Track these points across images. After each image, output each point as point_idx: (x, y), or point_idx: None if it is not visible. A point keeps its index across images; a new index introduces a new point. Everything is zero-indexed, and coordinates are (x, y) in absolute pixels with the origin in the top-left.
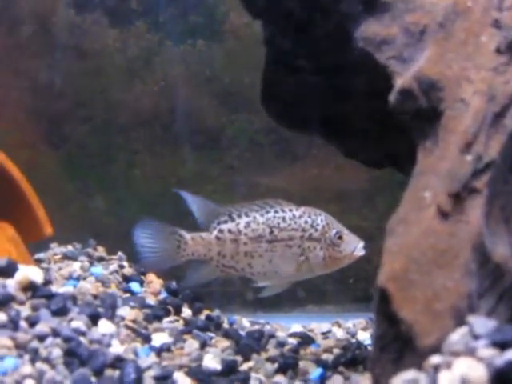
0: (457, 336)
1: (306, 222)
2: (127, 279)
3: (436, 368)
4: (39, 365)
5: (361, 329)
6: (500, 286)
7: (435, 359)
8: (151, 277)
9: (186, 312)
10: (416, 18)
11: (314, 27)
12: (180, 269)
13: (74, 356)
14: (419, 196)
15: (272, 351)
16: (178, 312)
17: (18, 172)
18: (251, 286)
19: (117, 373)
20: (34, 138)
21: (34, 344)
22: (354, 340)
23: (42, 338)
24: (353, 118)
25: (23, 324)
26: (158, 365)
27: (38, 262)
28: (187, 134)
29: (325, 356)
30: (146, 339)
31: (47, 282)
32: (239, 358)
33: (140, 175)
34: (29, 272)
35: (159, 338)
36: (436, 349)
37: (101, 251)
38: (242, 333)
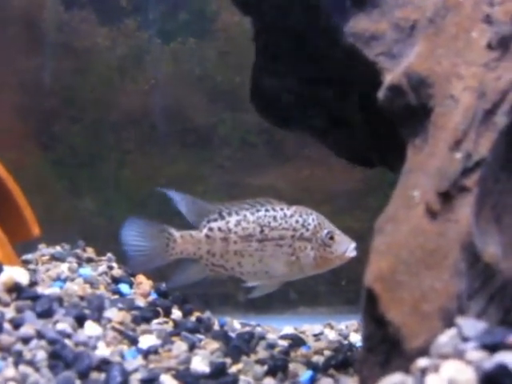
0: (445, 338)
1: (297, 221)
2: (116, 280)
3: (423, 371)
4: (23, 368)
5: (353, 330)
6: (491, 286)
7: (423, 362)
8: (141, 278)
9: (176, 314)
10: (406, 14)
11: (303, 23)
12: (171, 270)
13: (58, 359)
14: (408, 194)
15: (262, 353)
16: (167, 314)
17: (5, 171)
18: (242, 288)
19: (102, 376)
20: (23, 137)
21: (18, 346)
22: (346, 342)
23: (26, 340)
24: (343, 115)
25: (7, 326)
26: (145, 367)
27: (26, 263)
28: (178, 133)
29: (315, 358)
30: (133, 341)
31: (33, 284)
32: (228, 361)
33: (130, 175)
34: (14, 273)
35: (147, 340)
36: (424, 351)
37: (90, 252)
38: (232, 335)
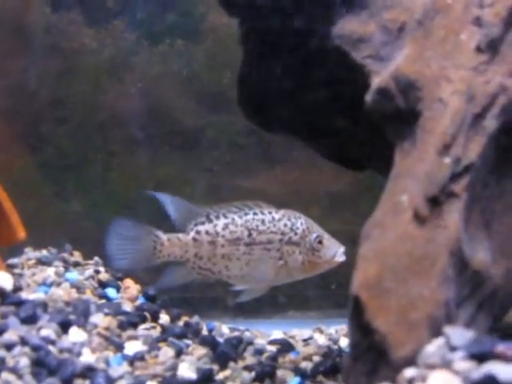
0: (432, 348)
1: (285, 225)
2: (103, 285)
3: (410, 381)
4: (5, 375)
5: (343, 335)
6: (480, 293)
7: (409, 372)
8: (128, 282)
9: (164, 318)
10: (394, 15)
11: (291, 25)
12: (160, 274)
13: (42, 366)
14: (396, 200)
15: (250, 359)
16: (154, 319)
17: None
18: (231, 292)
19: (86, 383)
20: (9, 139)
21: (1, 353)
22: (335, 347)
23: (9, 346)
24: (331, 118)
25: None
26: (130, 374)
27: (11, 267)
28: (166, 135)
29: (304, 364)
30: (119, 348)
31: (17, 289)
32: (215, 367)
33: (117, 177)
34: None
35: (132, 347)
36: (411, 361)
37: (77, 256)
38: (220, 340)
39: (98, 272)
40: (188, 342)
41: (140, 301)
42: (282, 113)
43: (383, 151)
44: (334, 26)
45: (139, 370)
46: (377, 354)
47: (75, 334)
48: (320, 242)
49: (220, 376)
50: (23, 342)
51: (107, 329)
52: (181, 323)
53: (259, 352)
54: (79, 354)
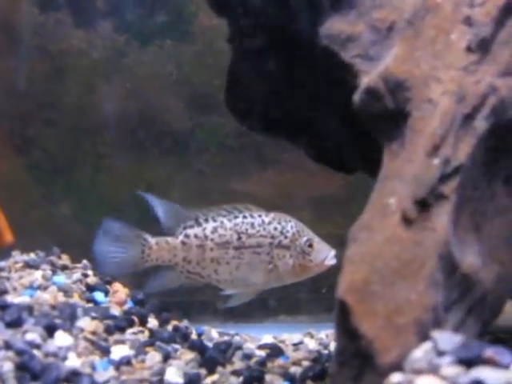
0: (420, 352)
1: (275, 228)
2: (91, 288)
3: None
4: None
5: (334, 340)
6: (469, 297)
7: (396, 377)
8: (117, 286)
9: (153, 323)
10: (383, 15)
11: (279, 25)
12: (149, 278)
13: (26, 370)
14: (384, 202)
15: (238, 364)
16: (143, 323)
17: None
18: (221, 296)
19: None
20: None
21: None
22: (325, 351)
23: None
24: (320, 120)
25: None
26: (116, 379)
27: None
28: (155, 137)
29: (293, 369)
30: (105, 352)
31: (2, 292)
32: (203, 372)
33: (106, 180)
34: None
35: (119, 351)
36: (397, 366)
37: (65, 259)
38: (209, 344)
39: (86, 275)
40: (176, 346)
41: (128, 305)
42: (271, 114)
43: (372, 152)
44: (322, 25)
45: (125, 375)
46: (363, 360)
47: (61, 338)
48: (310, 246)
49: (208, 381)
50: (7, 346)
51: (94, 333)
52: (169, 327)
53: (248, 357)
54: (65, 359)
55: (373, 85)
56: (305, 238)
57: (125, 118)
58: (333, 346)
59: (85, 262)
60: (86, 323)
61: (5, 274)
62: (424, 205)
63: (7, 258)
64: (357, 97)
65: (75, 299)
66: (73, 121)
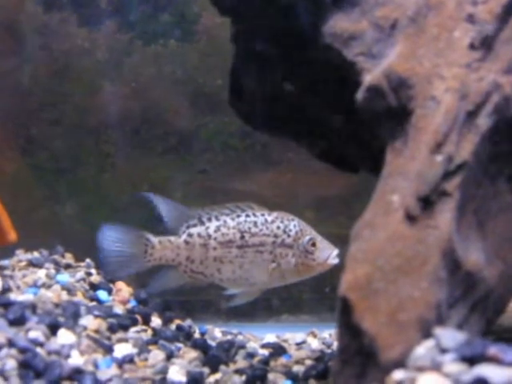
0: (422, 350)
1: (278, 227)
2: (94, 287)
3: None
4: None
5: (336, 338)
6: (473, 295)
7: (398, 375)
8: (120, 285)
9: (156, 321)
10: (386, 12)
11: (282, 23)
12: (152, 277)
13: (29, 368)
14: (387, 199)
15: (241, 363)
16: (146, 321)
17: None
18: (224, 295)
19: None
20: (0, 141)
21: None
22: (329, 351)
23: None
24: (324, 118)
25: None
26: (119, 377)
27: (1, 269)
28: (159, 137)
29: (296, 368)
30: (108, 350)
31: (6, 290)
32: (206, 370)
33: (110, 180)
34: None
35: (122, 349)
36: (400, 363)
37: (68, 258)
38: (212, 343)
39: (89, 274)
40: (179, 345)
41: (132, 304)
42: (274, 113)
43: (374, 150)
44: (324, 24)
45: (128, 373)
46: (365, 357)
47: (64, 336)
48: (313, 245)
49: (211, 379)
50: (11, 343)
51: (97, 331)
52: (173, 326)
53: (251, 355)
54: (68, 357)
55: (376, 82)
56: (308, 237)
57: (129, 118)
58: (336, 345)
59: (88, 260)
60: (89, 321)
61: (8, 272)
62: (427, 202)
63: (11, 256)
64: (360, 95)
65: (79, 298)
66: (77, 120)
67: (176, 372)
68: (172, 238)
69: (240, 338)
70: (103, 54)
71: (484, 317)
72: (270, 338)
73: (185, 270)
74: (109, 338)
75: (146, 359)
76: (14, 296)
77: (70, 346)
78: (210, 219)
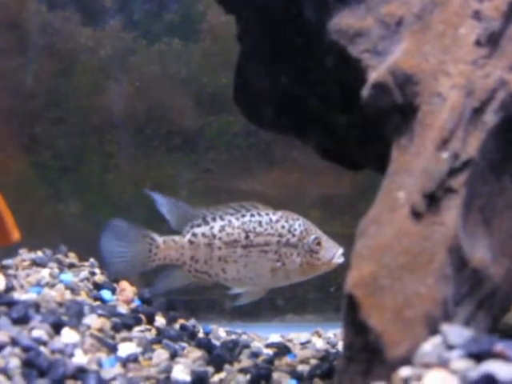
0: (429, 346)
1: (283, 226)
2: (98, 287)
3: (406, 381)
4: None
5: (342, 337)
6: (479, 292)
7: (405, 371)
8: (124, 284)
9: (160, 321)
10: (392, 9)
11: (287, 21)
12: (156, 276)
13: (32, 367)
14: (393, 196)
15: (246, 362)
16: (150, 321)
17: None
18: (228, 294)
19: None
20: (5, 140)
21: None
22: (333, 350)
23: None
24: (329, 116)
25: None
26: (123, 376)
27: (5, 268)
28: (163, 136)
29: (300, 367)
30: (112, 349)
31: (9, 289)
32: (211, 369)
33: (114, 179)
34: None
35: (126, 348)
36: (406, 360)
37: (72, 257)
38: (217, 343)
39: (93, 274)
40: (183, 344)
41: (135, 303)
42: (279, 112)
43: (380, 148)
44: (330, 20)
45: (132, 372)
46: (371, 354)
47: (68, 335)
48: (318, 244)
49: (215, 378)
50: (14, 342)
51: (100, 330)
52: (177, 326)
53: (255, 355)
54: (71, 355)
55: (381, 79)
56: (313, 237)
57: (133, 117)
58: (341, 345)
59: (92, 260)
60: (92, 320)
61: (12, 271)
62: (433, 199)
63: (14, 255)
64: (365, 91)
65: (82, 297)
66: (81, 119)
67: (180, 371)
68: (176, 238)
69: (244, 337)
70: (107, 52)
71: (490, 314)
72: (275, 337)
73: (189, 269)
74: (113, 337)
75: (150, 358)
76: (17, 295)
77: (73, 345)
78: (214, 219)
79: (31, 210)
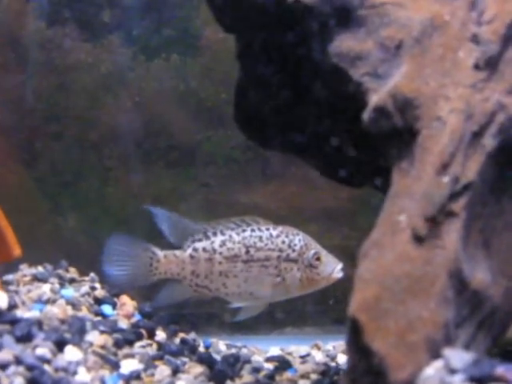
0: (432, 370)
1: (283, 241)
2: (99, 301)
3: None
4: None
5: (341, 351)
6: (479, 313)
7: None
8: (124, 299)
9: (160, 335)
10: (392, 33)
11: (287, 42)
12: (156, 291)
13: None
14: (394, 219)
15: (247, 377)
16: (151, 335)
17: None
18: (228, 308)
19: None
20: (4, 155)
21: None
22: (333, 364)
23: (4, 366)
24: (328, 136)
25: None
26: None
27: (6, 284)
28: (162, 150)
29: (301, 382)
30: (115, 366)
31: (12, 307)
32: None
33: (114, 193)
34: None
35: (129, 365)
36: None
37: (72, 272)
38: (217, 357)
39: (93, 288)
40: (184, 359)
41: (136, 318)
42: (279, 129)
43: (380, 169)
44: (331, 43)
45: None
46: (375, 377)
47: (70, 353)
48: (318, 259)
49: None
50: (18, 361)
51: (103, 347)
52: (177, 340)
53: (256, 370)
54: (75, 373)
55: (382, 103)
56: (312, 252)
57: (131, 132)
58: (340, 358)
59: (92, 274)
60: (95, 337)
61: (13, 287)
62: (434, 222)
63: (15, 271)
64: (366, 115)
65: (83, 312)
66: (80, 134)
67: None
68: (177, 252)
69: (244, 351)
70: (106, 68)
71: (490, 334)
72: (275, 350)
73: (190, 284)
74: (115, 354)
75: (152, 375)
76: (20, 312)
77: (76, 363)
78: (215, 233)
79: (31, 225)
